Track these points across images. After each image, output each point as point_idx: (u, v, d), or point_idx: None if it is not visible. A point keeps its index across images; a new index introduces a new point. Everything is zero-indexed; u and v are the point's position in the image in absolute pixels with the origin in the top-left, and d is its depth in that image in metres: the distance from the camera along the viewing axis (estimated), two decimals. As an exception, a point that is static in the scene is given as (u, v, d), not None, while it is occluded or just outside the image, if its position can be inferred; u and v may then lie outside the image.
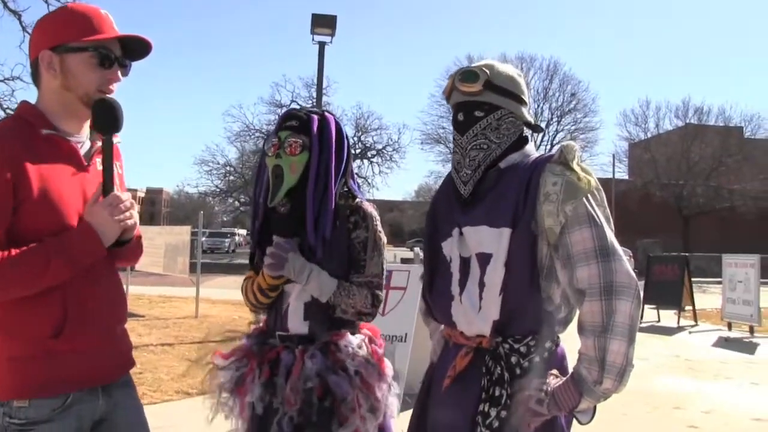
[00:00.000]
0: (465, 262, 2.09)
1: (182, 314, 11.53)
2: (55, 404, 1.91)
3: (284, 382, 2.24)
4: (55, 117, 2.00)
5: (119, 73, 2.06)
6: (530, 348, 2.01)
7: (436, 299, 2.21)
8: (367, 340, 2.37)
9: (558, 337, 2.10)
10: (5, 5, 20.21)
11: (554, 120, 47.28)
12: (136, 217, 2.07)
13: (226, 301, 14.24)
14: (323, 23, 14.26)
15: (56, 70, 1.98)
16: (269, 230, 2.40)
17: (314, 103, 28.08)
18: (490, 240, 2.01)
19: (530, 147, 2.17)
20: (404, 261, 16.86)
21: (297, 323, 2.35)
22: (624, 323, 1.86)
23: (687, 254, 16.69)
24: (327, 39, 14.46)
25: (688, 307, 13.71)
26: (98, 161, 2.05)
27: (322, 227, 2.32)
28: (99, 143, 2.04)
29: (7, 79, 20.76)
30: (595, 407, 1.95)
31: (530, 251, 1.98)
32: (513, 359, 1.99)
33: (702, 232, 43.72)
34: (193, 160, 46.82)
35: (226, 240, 49.31)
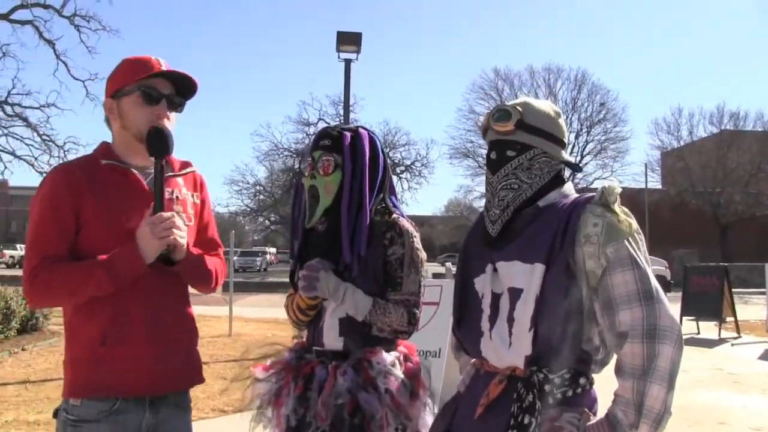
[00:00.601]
0: (496, 299, 2.05)
1: (216, 333, 11.61)
2: (102, 407, 2.12)
3: (317, 397, 2.25)
4: (122, 153, 2.27)
5: (168, 108, 2.27)
6: (564, 381, 1.95)
7: (466, 335, 2.18)
8: (401, 358, 2.35)
9: (592, 378, 2.05)
10: (41, 35, 20.77)
11: (584, 130, 46.91)
12: (184, 240, 2.19)
13: (259, 320, 14.32)
14: (349, 41, 14.32)
15: (115, 114, 2.26)
16: (309, 249, 2.41)
17: (342, 121, 28.26)
18: (522, 275, 1.97)
19: (569, 187, 2.14)
20: (436, 276, 16.81)
21: (332, 339, 2.35)
22: (665, 368, 1.82)
23: (726, 264, 16.36)
24: (353, 56, 14.51)
25: (730, 319, 13.44)
26: (167, 190, 2.25)
27: (357, 245, 2.32)
28: (172, 173, 2.31)
29: (43, 106, 21.35)
30: None
31: (567, 290, 1.93)
32: (546, 388, 1.93)
33: (741, 240, 42.95)
34: (222, 180, 47.38)
35: (258, 259, 49.53)
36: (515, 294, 1.99)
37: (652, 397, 1.80)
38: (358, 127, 2.48)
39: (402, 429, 2.22)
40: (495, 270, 2.07)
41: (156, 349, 2.19)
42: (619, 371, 1.89)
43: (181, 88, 2.32)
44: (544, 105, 2.15)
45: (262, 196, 45.93)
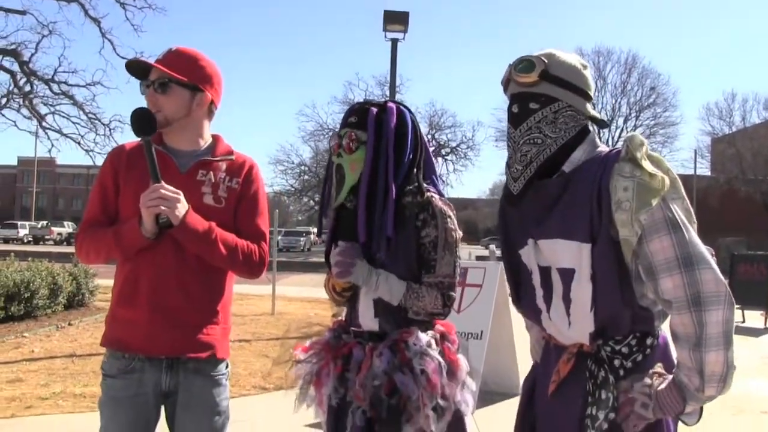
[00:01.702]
0: (545, 274, 2.02)
1: (259, 311, 11.75)
2: (120, 365, 2.39)
3: (355, 378, 2.26)
4: (166, 137, 2.51)
5: (149, 90, 2.46)
6: (632, 348, 1.93)
7: (526, 311, 2.16)
8: (438, 337, 2.32)
9: (658, 332, 2.00)
10: (86, 13, 20.98)
11: (632, 115, 46.20)
12: (179, 211, 2.31)
13: (302, 299, 14.47)
14: (395, 20, 14.17)
15: None
16: (340, 228, 2.40)
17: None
18: (569, 255, 1.92)
19: (595, 140, 2.03)
20: (479, 258, 16.69)
21: (368, 320, 2.36)
22: (718, 333, 1.77)
23: (774, 253, 15.99)
24: (399, 36, 14.38)
25: (776, 308, 13.15)
26: (201, 172, 2.47)
27: (383, 226, 2.27)
28: (210, 158, 2.51)
29: (89, 84, 21.61)
30: (701, 408, 1.86)
31: (615, 261, 1.87)
32: (616, 362, 1.92)
33: (791, 229, 41.89)
34: (267, 160, 47.71)
35: (302, 239, 49.91)
36: (567, 274, 1.94)
37: (711, 363, 1.76)
38: (387, 101, 2.42)
39: (441, 409, 2.20)
40: (536, 244, 2.02)
41: (162, 314, 2.37)
42: (674, 338, 1.86)
43: (145, 72, 2.49)
44: (570, 56, 2.05)
45: (306, 176, 46.22)
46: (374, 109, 2.35)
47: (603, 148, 2.00)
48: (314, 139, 44.97)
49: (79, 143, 21.63)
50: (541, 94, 1.98)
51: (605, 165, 1.89)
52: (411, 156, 2.35)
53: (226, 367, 2.54)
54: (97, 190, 2.49)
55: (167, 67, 2.42)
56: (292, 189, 47.75)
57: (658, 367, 1.91)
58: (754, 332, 12.03)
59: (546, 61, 1.98)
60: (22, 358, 7.40)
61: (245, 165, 2.56)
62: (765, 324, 12.79)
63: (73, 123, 21.71)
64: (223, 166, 2.51)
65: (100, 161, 21.66)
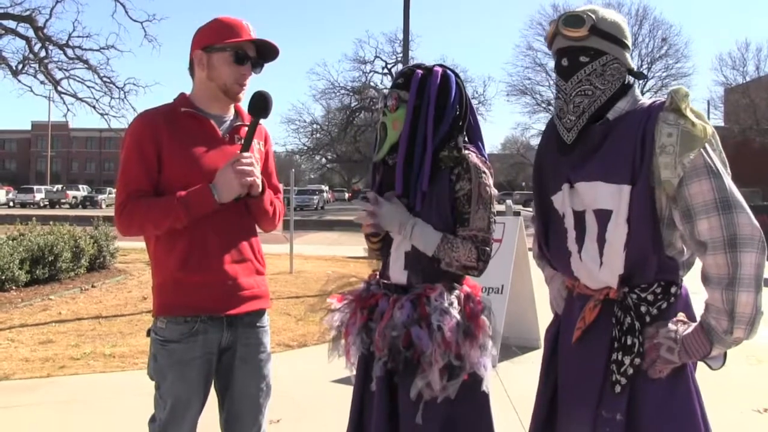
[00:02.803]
0: (579, 218, 2.09)
1: (277, 270, 11.88)
2: (183, 329, 2.46)
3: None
4: (202, 101, 2.57)
5: (252, 70, 2.57)
6: (657, 296, 2.01)
7: (554, 254, 2.23)
8: (463, 297, 2.35)
9: (682, 282, 2.09)
10: (98, -24, 20.80)
11: (644, 67, 45.30)
12: (259, 180, 2.50)
13: (318, 257, 14.57)
14: (408, -24, 14.00)
15: (204, 65, 2.54)
16: (384, 184, 2.48)
17: (399, 59, 27.77)
18: (609, 197, 2.00)
19: (636, 93, 2.12)
20: (497, 214, 16.73)
21: (397, 272, 2.42)
22: (750, 274, 1.85)
23: (790, 203, 15.93)
24: (412, -8, 14.23)
25: (792, 258, 13.16)
26: (236, 137, 2.58)
27: (419, 180, 2.34)
28: (241, 123, 2.62)
29: (102, 48, 21.51)
30: (725, 352, 1.95)
31: (650, 205, 1.96)
32: (642, 308, 1.99)
33: (807, 179, 41.50)
34: (279, 119, 47.58)
35: (315, 197, 49.92)
36: (603, 216, 2.02)
37: (742, 304, 1.84)
38: (435, 65, 2.47)
39: (454, 368, 2.24)
40: (572, 188, 2.10)
41: (231, 275, 2.49)
42: (705, 280, 1.93)
43: (264, 53, 2.60)
44: (612, 12, 2.15)
45: (318, 135, 46.14)
46: (420, 72, 2.42)
47: (645, 100, 2.09)
48: (325, 97, 44.88)
49: (94, 107, 21.61)
50: (591, 48, 2.08)
51: (650, 113, 1.99)
52: (452, 116, 2.40)
53: (267, 314, 2.72)
54: (135, 159, 2.44)
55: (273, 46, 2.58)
56: (305, 148, 47.66)
57: (681, 316, 1.99)
58: (769, 282, 12.02)
59: (593, 16, 2.07)
60: (51, 320, 7.56)
61: (263, 130, 2.73)
62: (781, 274, 12.82)
63: (88, 87, 21.66)
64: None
65: (115, 124, 21.69)
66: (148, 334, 2.56)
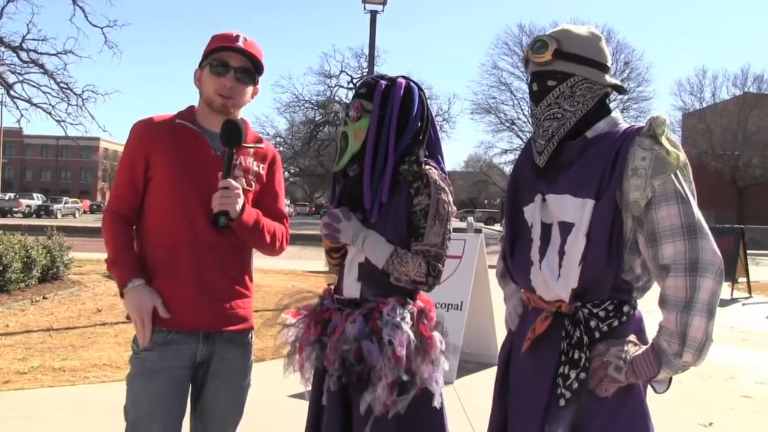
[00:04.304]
0: (546, 229, 2.11)
1: (235, 284, 11.72)
2: (157, 338, 2.41)
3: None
4: (201, 117, 2.56)
5: (236, 81, 2.50)
6: (609, 313, 2.02)
7: (517, 264, 2.23)
8: (416, 312, 2.34)
9: (635, 303, 2.11)
10: (56, -22, 20.35)
11: (617, 94, 46.23)
12: (238, 206, 2.41)
13: (278, 271, 14.45)
14: (375, -8, 14.04)
15: (198, 82, 2.57)
16: (343, 195, 2.46)
17: (364, 74, 27.85)
18: (573, 209, 2.02)
19: (617, 116, 2.14)
20: (456, 231, 16.77)
21: (351, 284, 2.40)
22: (706, 300, 1.87)
23: (742, 226, 16.32)
24: (378, 8, 14.25)
25: (742, 279, 13.49)
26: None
27: (379, 192, 2.32)
28: (244, 144, 2.51)
29: (60, 53, 21.09)
30: (671, 378, 1.96)
31: (612, 223, 1.97)
32: (592, 323, 2.00)
33: (757, 204, 42.63)
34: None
35: (289, 218, 49.54)
36: (566, 228, 2.04)
37: (695, 328, 1.86)
38: (399, 77, 2.46)
39: (404, 383, 2.21)
40: (544, 200, 2.12)
41: (210, 294, 2.46)
42: (663, 303, 1.95)
43: (257, 65, 2.55)
44: (583, 30, 2.15)
45: (281, 148, 45.92)
46: (383, 82, 2.41)
47: (624, 124, 2.11)
48: (289, 110, 44.78)
49: (50, 113, 21.17)
50: (557, 71, 2.09)
51: (626, 136, 2.02)
52: (414, 130, 2.40)
53: (251, 335, 2.66)
54: (125, 165, 2.50)
55: (256, 56, 2.53)
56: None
57: (633, 338, 2.01)
58: (721, 302, 12.02)
59: (558, 38, 2.09)
60: (-3, 332, 7.34)
61: (269, 152, 2.69)
62: (731, 295, 13.12)
63: (44, 92, 21.23)
64: (251, 151, 2.61)
65: (72, 132, 21.30)
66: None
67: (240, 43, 2.50)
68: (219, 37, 2.54)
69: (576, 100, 2.08)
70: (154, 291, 2.41)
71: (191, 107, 2.61)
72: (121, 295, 2.43)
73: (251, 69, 2.54)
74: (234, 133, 2.40)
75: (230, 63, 2.49)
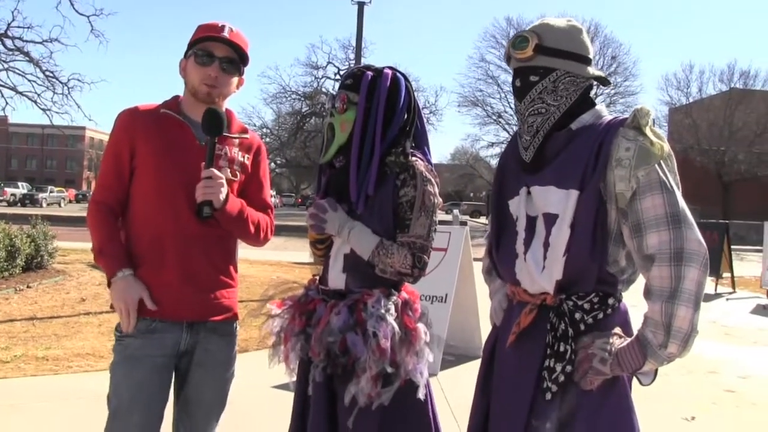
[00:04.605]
0: (531, 222, 2.11)
1: (221, 274, 11.69)
2: (141, 326, 2.42)
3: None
4: (186, 106, 2.57)
5: (222, 71, 2.51)
6: (594, 305, 2.02)
7: (502, 257, 2.23)
8: (400, 304, 2.33)
9: (621, 295, 2.11)
10: (40, -36, 20.10)
11: (601, 85, 46.46)
12: (221, 195, 2.42)
13: (263, 262, 14.42)
14: (362, -17, 14.02)
15: (183, 72, 2.57)
16: (330, 186, 2.45)
17: (351, 66, 27.77)
18: (557, 201, 2.02)
19: (602, 108, 2.14)
20: (442, 223, 16.85)
21: (336, 275, 2.39)
22: (691, 290, 1.87)
23: (726, 221, 16.43)
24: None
25: (726, 275, 13.59)
26: (218, 146, 2.48)
27: (365, 183, 2.32)
28: (227, 134, 2.52)
29: (45, 41, 20.88)
30: (656, 370, 1.97)
31: (596, 214, 1.97)
32: (577, 315, 2.00)
33: (742, 199, 42.92)
34: (228, 122, 46.97)
35: (274, 208, 49.39)
36: (550, 219, 2.04)
37: (680, 318, 1.86)
38: (385, 67, 2.44)
39: (392, 374, 2.22)
40: (529, 193, 2.12)
41: (194, 283, 2.47)
42: (648, 294, 1.95)
43: (242, 55, 2.56)
44: (563, 23, 2.14)
45: (268, 139, 45.75)
46: (369, 73, 2.39)
47: (608, 116, 2.12)
48: (276, 101, 44.56)
49: (35, 102, 20.97)
50: (539, 67, 2.09)
51: (610, 127, 2.02)
52: (401, 121, 2.39)
53: (236, 325, 2.66)
54: (110, 157, 2.50)
55: (241, 47, 2.54)
56: (253, 152, 47.23)
57: (618, 330, 2.01)
58: (705, 297, 12.12)
59: (538, 33, 2.08)
60: (-20, 321, 7.28)
61: (254, 143, 2.69)
62: (715, 290, 13.21)
63: (29, 81, 21.01)
64: (236, 141, 2.61)
65: (58, 121, 21.11)
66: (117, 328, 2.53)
67: (225, 33, 2.49)
68: (204, 27, 2.53)
69: (559, 94, 2.08)
70: (141, 282, 2.40)
71: (176, 97, 2.62)
72: (109, 284, 2.42)
73: (236, 59, 2.54)
74: (216, 121, 2.41)
75: (215, 53, 2.49)
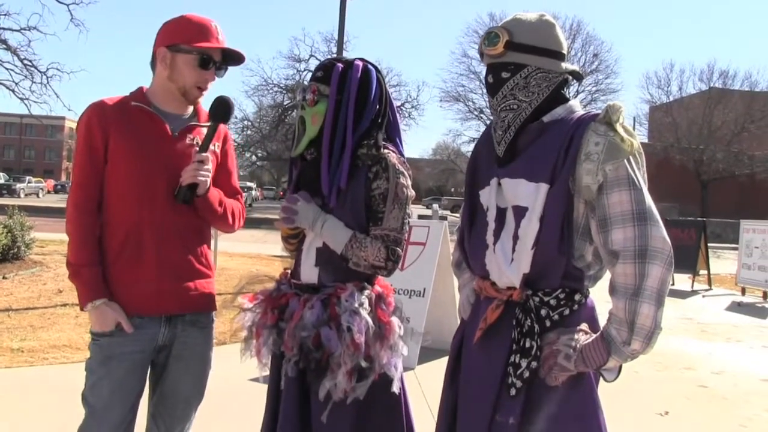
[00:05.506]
0: (501, 213, 2.12)
1: (200, 267, 11.64)
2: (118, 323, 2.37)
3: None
4: (158, 98, 2.53)
5: (215, 74, 2.54)
6: (560, 301, 2.03)
7: (472, 247, 2.24)
8: (374, 298, 2.33)
9: (587, 291, 2.12)
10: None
11: (575, 80, 46.66)
12: (208, 180, 2.46)
13: (243, 255, 14.38)
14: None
15: (167, 64, 2.49)
16: (301, 179, 2.44)
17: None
18: (527, 194, 2.03)
19: (575, 103, 2.16)
20: (422, 218, 16.91)
21: (308, 269, 2.38)
22: (655, 287, 1.89)
23: (704, 219, 16.60)
24: (349, -8, 14.20)
25: (703, 272, 13.74)
26: (189, 136, 2.54)
27: (337, 176, 2.31)
28: (196, 123, 2.58)
29: (24, 29, 20.59)
30: (620, 366, 1.99)
31: (565, 208, 1.99)
32: (543, 312, 2.02)
33: (720, 197, 43.39)
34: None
35: (243, 194, 49.21)
36: (520, 212, 2.05)
37: (643, 316, 1.88)
38: (355, 59, 2.43)
39: (366, 369, 2.22)
40: (499, 184, 2.13)
41: (172, 277, 2.46)
42: (612, 291, 1.97)
43: (229, 57, 2.58)
44: (535, 18, 2.14)
45: (249, 132, 45.49)
46: (340, 65, 2.38)
47: (580, 111, 2.13)
48: (258, 94, 44.21)
49: (13, 91, 20.70)
50: (510, 63, 2.10)
51: (581, 122, 2.03)
52: (373, 113, 2.37)
53: (213, 317, 2.67)
54: (84, 152, 2.44)
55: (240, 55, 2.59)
56: (235, 144, 46.93)
57: (585, 326, 2.02)
58: (681, 294, 12.53)
59: (509, 29, 2.09)
60: (-45, 311, 7.20)
61: (221, 131, 2.66)
62: (692, 287, 13.36)
63: (7, 69, 20.73)
64: (203, 130, 2.59)
65: (36, 110, 20.84)
66: None
67: (220, 37, 2.51)
68: (197, 27, 2.49)
69: (531, 90, 2.09)
70: (117, 306, 2.38)
71: (140, 89, 2.57)
72: (81, 308, 2.41)
73: (225, 66, 2.60)
74: (226, 109, 2.51)
75: (214, 58, 2.52)
